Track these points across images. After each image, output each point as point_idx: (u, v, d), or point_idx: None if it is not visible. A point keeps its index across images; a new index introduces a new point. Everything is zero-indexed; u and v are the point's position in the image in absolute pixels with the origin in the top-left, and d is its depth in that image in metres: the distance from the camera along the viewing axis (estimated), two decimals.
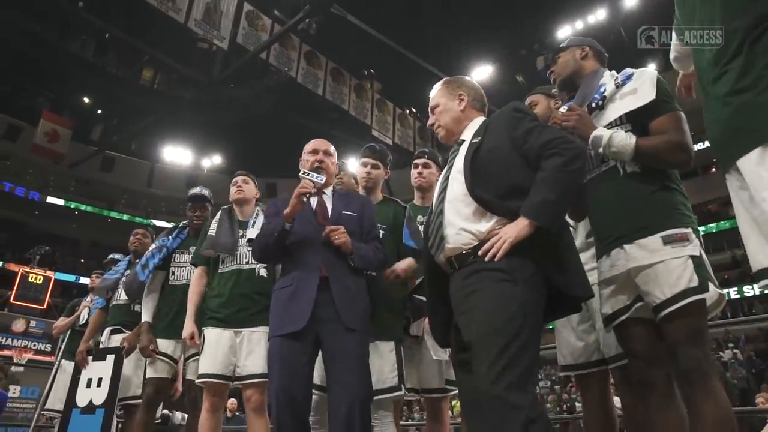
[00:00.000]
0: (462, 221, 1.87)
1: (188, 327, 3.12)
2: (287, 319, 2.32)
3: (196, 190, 3.87)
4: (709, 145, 1.47)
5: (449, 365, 2.72)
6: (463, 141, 2.06)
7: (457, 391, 2.79)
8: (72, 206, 30.57)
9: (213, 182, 23.63)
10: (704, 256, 1.88)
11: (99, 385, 3.77)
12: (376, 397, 2.41)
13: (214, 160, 34.07)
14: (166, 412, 5.31)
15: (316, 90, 16.69)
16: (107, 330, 4.17)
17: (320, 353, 2.38)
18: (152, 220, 28.78)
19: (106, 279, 4.34)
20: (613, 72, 2.16)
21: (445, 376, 2.77)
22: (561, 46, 2.38)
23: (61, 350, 5.30)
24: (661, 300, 1.81)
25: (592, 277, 2.01)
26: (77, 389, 3.84)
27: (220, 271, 3.16)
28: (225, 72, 21.27)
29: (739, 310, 21.66)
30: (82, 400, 3.77)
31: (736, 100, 1.23)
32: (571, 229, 2.16)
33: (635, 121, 1.99)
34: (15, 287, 20.14)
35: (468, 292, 1.79)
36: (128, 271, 4.07)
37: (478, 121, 2.10)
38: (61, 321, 5.48)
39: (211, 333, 3.02)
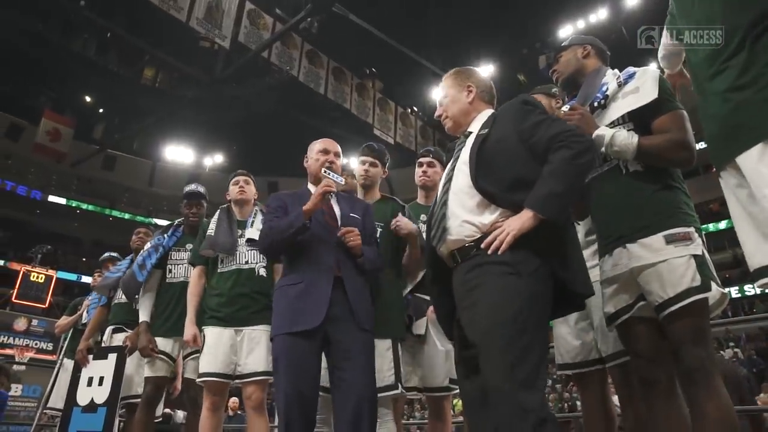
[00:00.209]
0: (465, 213, 1.84)
1: (190, 329, 3.11)
2: (299, 317, 2.29)
3: (192, 187, 3.86)
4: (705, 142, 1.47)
5: (451, 361, 2.73)
6: (471, 133, 2.03)
7: (458, 390, 2.80)
8: (74, 205, 30.64)
9: (215, 181, 23.62)
10: (707, 255, 1.87)
11: (101, 383, 3.76)
12: None
13: (215, 159, 34.11)
14: (168, 410, 5.32)
15: (317, 89, 16.69)
16: (109, 329, 4.17)
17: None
18: (154, 219, 28.81)
19: (107, 277, 4.34)
20: (616, 71, 2.16)
21: (448, 375, 2.78)
22: (563, 44, 2.38)
23: (64, 349, 5.31)
24: (664, 299, 1.80)
25: (593, 275, 2.01)
26: (78, 388, 3.84)
27: (219, 270, 3.16)
28: (227, 71, 21.29)
29: (740, 309, 21.65)
30: (83, 399, 3.77)
31: (736, 97, 1.22)
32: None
33: (637, 120, 1.98)
34: (17, 286, 20.16)
35: (471, 287, 1.76)
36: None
37: (486, 113, 2.07)
38: (64, 320, 5.48)
39: (212, 332, 3.02)
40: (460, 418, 4.66)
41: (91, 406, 3.70)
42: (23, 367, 13.12)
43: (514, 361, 1.57)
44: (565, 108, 2.22)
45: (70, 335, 5.33)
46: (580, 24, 23.32)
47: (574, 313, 2.16)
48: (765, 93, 1.16)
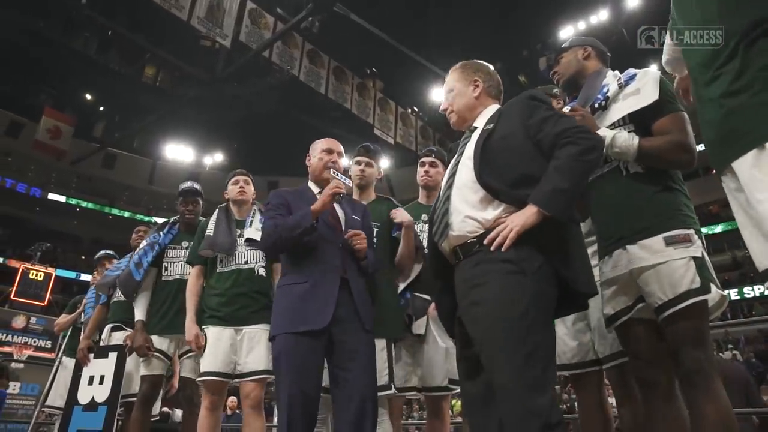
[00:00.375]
0: (468, 208, 1.81)
1: (192, 329, 3.08)
2: (305, 317, 2.28)
3: (188, 184, 3.85)
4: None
5: (451, 361, 2.73)
6: (476, 128, 2.00)
7: (457, 391, 2.80)
8: (73, 203, 30.62)
9: (215, 180, 23.61)
10: (706, 257, 1.87)
11: (101, 382, 3.75)
12: None
13: (216, 158, 34.11)
14: (166, 409, 5.31)
15: (318, 88, 16.67)
16: (108, 327, 4.16)
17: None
18: (154, 218, 28.80)
19: (107, 275, 4.33)
20: (616, 72, 2.15)
21: (447, 375, 2.78)
22: (563, 46, 2.37)
23: (63, 347, 5.31)
24: (663, 301, 1.80)
25: None
26: (78, 386, 3.84)
27: (218, 270, 3.16)
28: (227, 70, 21.29)
29: (739, 312, 21.65)
30: (83, 398, 3.76)
31: (730, 102, 1.22)
32: None
33: (638, 121, 1.98)
34: (16, 284, 20.16)
35: (474, 284, 1.72)
36: None
37: (492, 108, 2.03)
38: (63, 318, 5.48)
39: (212, 331, 3.02)
40: (459, 419, 4.66)
41: (92, 405, 3.70)
42: (21, 365, 13.11)
43: (522, 362, 1.54)
44: (566, 109, 2.22)
45: (69, 333, 5.32)
46: (581, 25, 23.33)
47: (572, 314, 2.14)
48: (759, 97, 1.15)
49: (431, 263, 2.04)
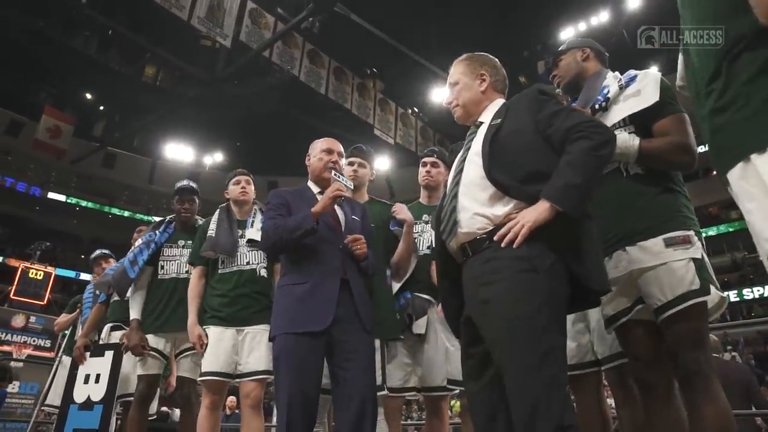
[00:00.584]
0: (477, 205, 1.76)
1: (195, 330, 3.07)
2: (305, 318, 2.28)
3: (184, 182, 3.84)
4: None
5: (451, 361, 2.73)
6: (482, 123, 1.96)
7: (456, 391, 2.80)
8: (73, 202, 30.59)
9: (215, 179, 23.61)
10: (706, 258, 1.88)
11: (97, 381, 3.75)
12: None
13: (216, 158, 34.07)
14: (165, 408, 5.31)
15: (318, 89, 16.66)
16: (107, 326, 4.16)
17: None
18: (154, 217, 28.79)
19: (107, 274, 4.33)
20: (617, 73, 2.15)
21: (447, 375, 2.78)
22: (561, 48, 2.37)
23: (62, 346, 5.30)
24: (663, 302, 1.81)
25: None
26: (74, 385, 3.83)
27: (220, 271, 3.15)
28: (228, 70, 21.26)
29: (739, 313, 21.65)
30: (79, 396, 3.76)
31: (717, 120, 1.23)
32: None
33: (639, 122, 1.98)
34: (15, 283, 20.12)
35: (483, 282, 1.68)
36: None
37: (498, 102, 2.00)
38: (63, 318, 5.46)
39: (213, 332, 3.02)
40: (458, 419, 4.66)
41: (88, 404, 3.70)
42: (21, 364, 13.11)
43: (538, 362, 1.50)
44: None
45: (69, 332, 5.32)
46: (582, 26, 23.33)
47: (571, 315, 2.14)
48: (742, 113, 1.16)
49: (439, 262, 2.01)
